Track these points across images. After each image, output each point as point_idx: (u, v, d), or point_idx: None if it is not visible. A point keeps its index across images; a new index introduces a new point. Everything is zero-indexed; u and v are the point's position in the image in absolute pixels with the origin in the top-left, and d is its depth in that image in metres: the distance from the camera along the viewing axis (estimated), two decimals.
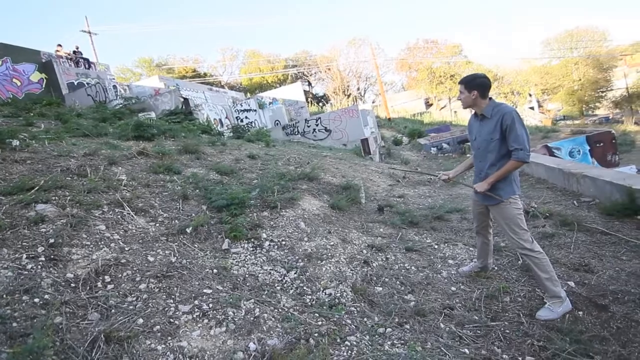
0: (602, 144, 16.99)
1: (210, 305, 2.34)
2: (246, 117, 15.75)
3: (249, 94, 26.34)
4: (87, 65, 14.78)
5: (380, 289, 2.91)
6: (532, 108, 39.75)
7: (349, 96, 39.08)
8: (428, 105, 43.15)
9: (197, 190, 4.22)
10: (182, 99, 11.25)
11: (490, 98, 2.63)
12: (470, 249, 3.71)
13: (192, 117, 10.07)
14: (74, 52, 15.00)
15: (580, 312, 2.50)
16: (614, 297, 2.61)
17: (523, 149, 2.42)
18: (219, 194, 3.97)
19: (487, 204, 2.75)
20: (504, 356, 2.16)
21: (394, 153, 13.78)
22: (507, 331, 2.38)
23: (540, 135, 23.96)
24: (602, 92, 37.18)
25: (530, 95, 39.67)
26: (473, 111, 2.73)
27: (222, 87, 32.38)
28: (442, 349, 2.21)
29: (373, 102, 40.99)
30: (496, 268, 3.25)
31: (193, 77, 34.15)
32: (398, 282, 3.03)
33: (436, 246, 3.80)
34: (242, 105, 16.22)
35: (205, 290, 2.49)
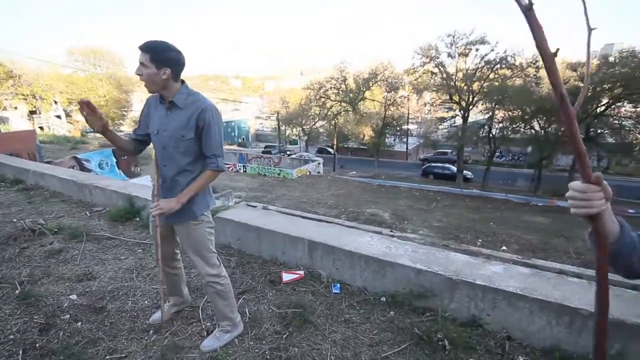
0: (126, 157, 19.12)
1: None
2: None
3: None
4: None
5: None
6: (58, 116, 37.32)
7: None
8: None
9: None
10: None
11: (183, 82, 1.99)
12: None
13: None
14: None
15: (80, 323, 2.51)
16: (111, 295, 2.86)
17: (220, 155, 2.03)
18: None
19: (173, 223, 2.14)
20: None
21: None
22: None
23: (69, 146, 23.18)
24: (125, 111, 41.98)
25: (55, 102, 36.94)
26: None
27: None
28: None
29: None
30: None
31: None
32: None
33: None
34: None
35: None
